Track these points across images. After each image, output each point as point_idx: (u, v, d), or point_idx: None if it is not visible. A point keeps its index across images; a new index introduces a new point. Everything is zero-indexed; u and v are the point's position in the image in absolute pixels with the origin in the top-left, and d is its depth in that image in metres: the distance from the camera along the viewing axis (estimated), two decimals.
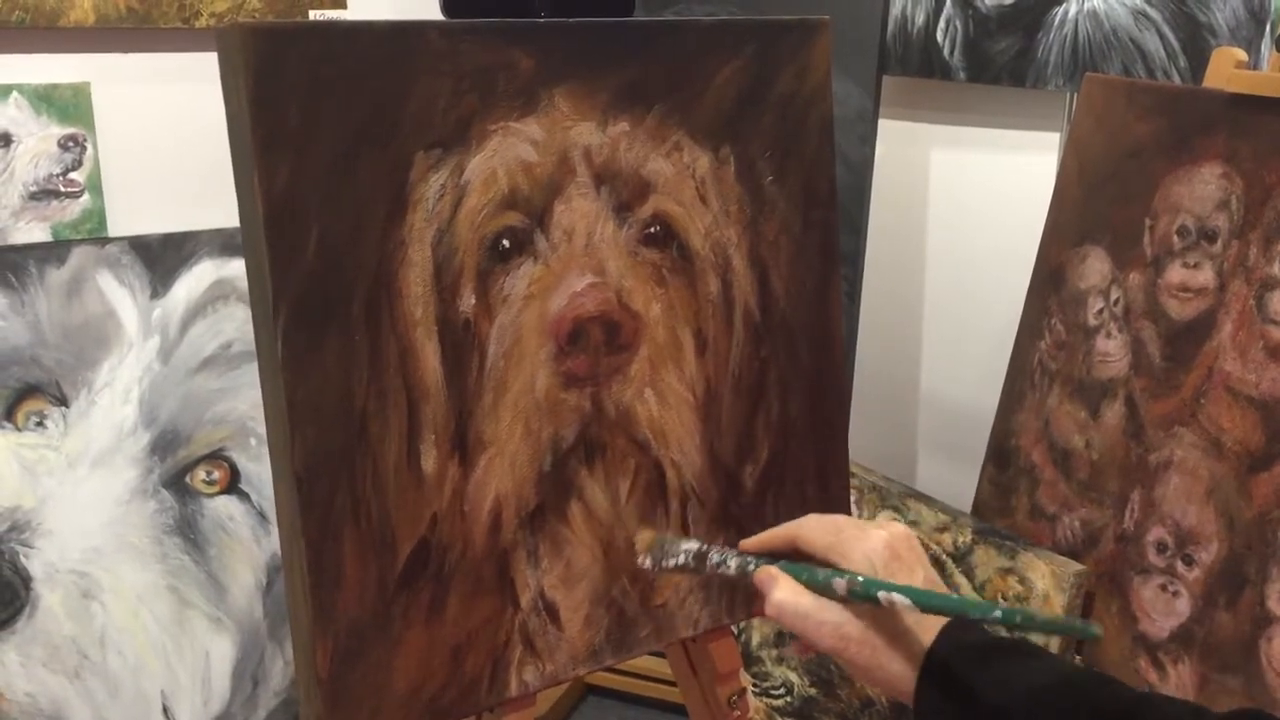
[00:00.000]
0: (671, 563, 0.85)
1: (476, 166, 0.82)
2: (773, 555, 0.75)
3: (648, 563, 0.89)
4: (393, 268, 0.80)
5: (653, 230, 0.91)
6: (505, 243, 0.84)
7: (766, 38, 0.94)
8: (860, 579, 0.68)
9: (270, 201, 0.75)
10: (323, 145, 0.76)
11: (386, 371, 0.80)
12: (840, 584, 0.68)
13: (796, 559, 0.74)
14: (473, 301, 0.83)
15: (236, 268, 1.43)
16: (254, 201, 0.76)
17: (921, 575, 0.70)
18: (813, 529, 0.73)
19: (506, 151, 0.83)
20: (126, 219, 1.49)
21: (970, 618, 0.65)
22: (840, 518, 0.74)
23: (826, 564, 0.72)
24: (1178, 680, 1.26)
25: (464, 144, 0.82)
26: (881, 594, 0.66)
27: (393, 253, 0.80)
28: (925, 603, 0.66)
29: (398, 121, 0.79)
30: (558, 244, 0.86)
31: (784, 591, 0.71)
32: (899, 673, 0.68)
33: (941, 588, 0.70)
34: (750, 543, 0.78)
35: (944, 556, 1.46)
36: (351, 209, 0.78)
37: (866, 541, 0.70)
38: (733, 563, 0.77)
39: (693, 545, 0.83)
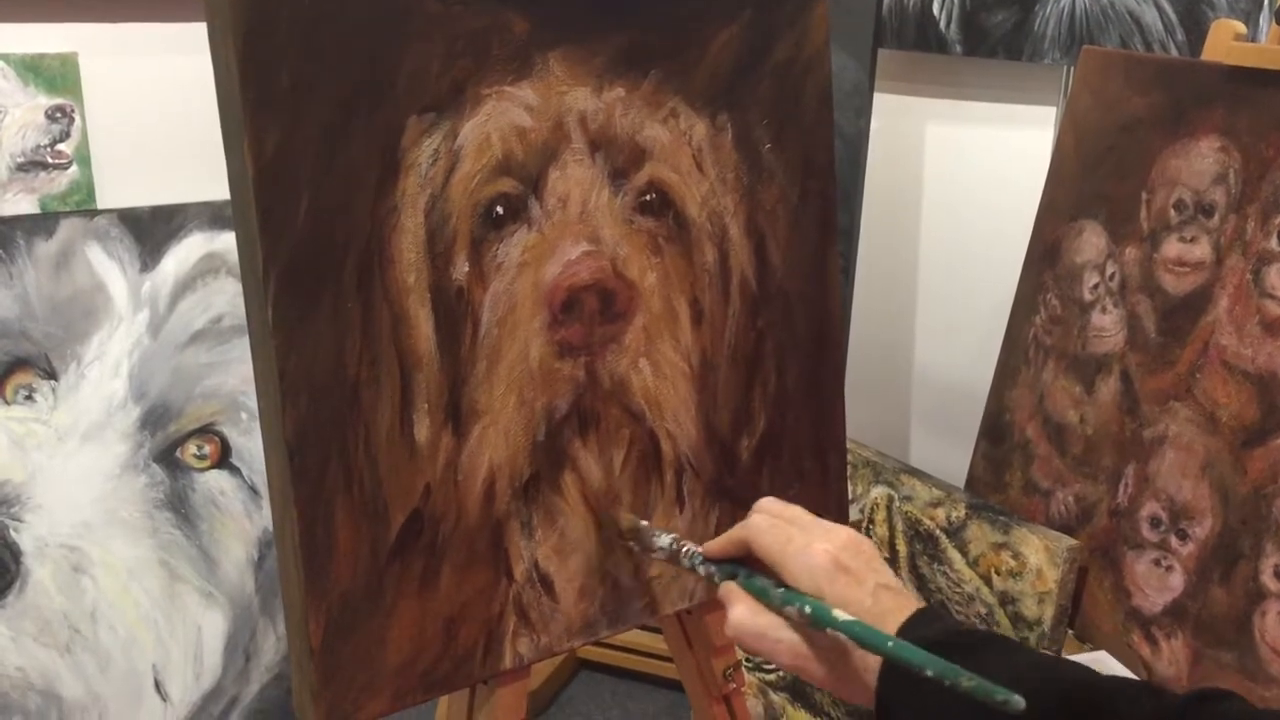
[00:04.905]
0: (652, 554, 0.86)
1: (470, 131, 0.81)
2: (735, 560, 0.75)
3: (636, 546, 0.89)
4: (385, 234, 0.79)
5: (648, 198, 0.90)
6: (499, 209, 0.83)
7: (763, 3, 0.93)
8: (808, 609, 0.67)
9: (261, 166, 0.74)
10: (314, 108, 0.75)
11: (379, 339, 0.79)
12: (792, 612, 0.68)
13: (755, 563, 0.73)
14: (466, 269, 0.82)
15: (227, 241, 1.42)
16: (244, 167, 0.74)
17: (872, 584, 0.68)
18: (761, 538, 0.72)
19: (500, 116, 0.82)
20: (115, 191, 1.48)
21: (904, 658, 0.63)
22: (792, 520, 0.72)
23: (778, 575, 0.71)
24: (1170, 655, 1.26)
25: (458, 108, 0.81)
26: (829, 629, 0.66)
27: (385, 219, 0.79)
28: (863, 641, 0.65)
29: (391, 84, 0.78)
30: (552, 211, 0.85)
31: (740, 611, 0.70)
32: (862, 684, 0.67)
33: (895, 588, 0.69)
34: (713, 547, 0.76)
35: (937, 531, 1.45)
36: (343, 174, 0.77)
37: (810, 557, 0.68)
38: (700, 569, 0.78)
39: (666, 541, 0.83)
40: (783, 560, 0.70)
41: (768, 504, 0.75)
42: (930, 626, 0.66)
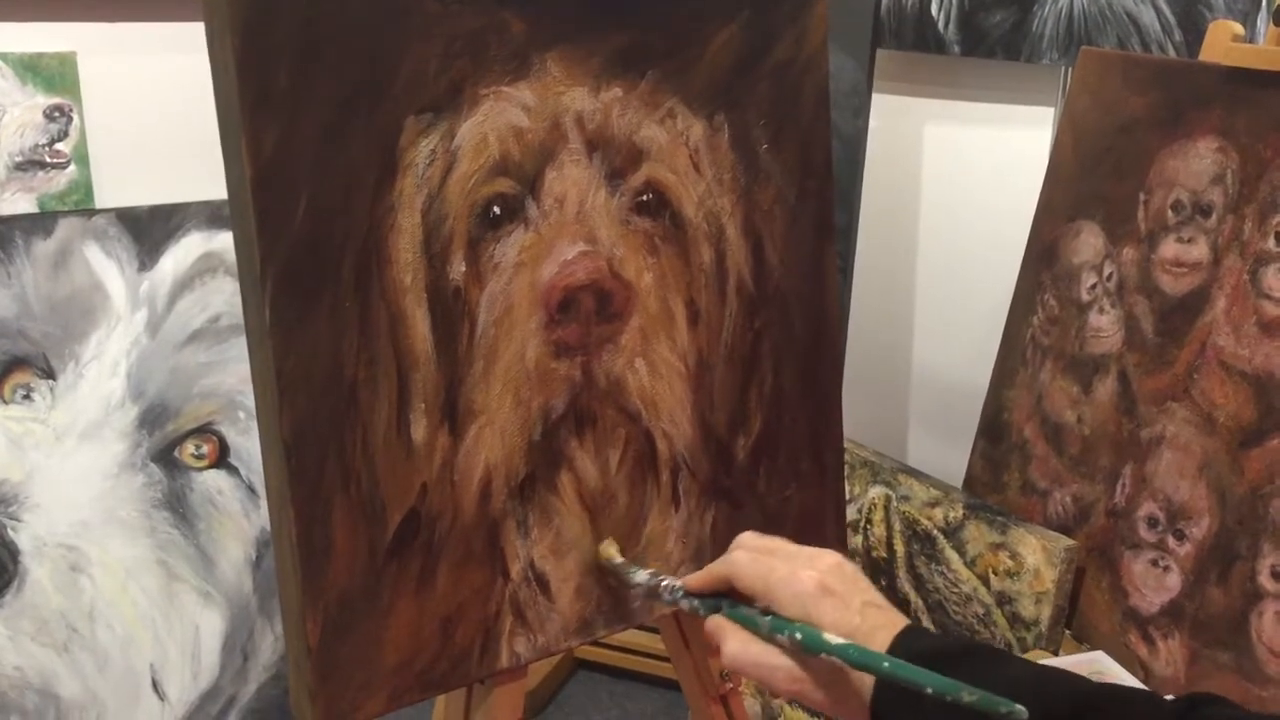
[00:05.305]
0: (631, 589, 0.86)
1: (467, 132, 0.81)
2: (717, 594, 0.75)
3: (614, 582, 0.89)
4: (382, 234, 0.79)
5: (645, 198, 0.90)
6: (496, 209, 0.83)
7: (761, 4, 0.93)
8: (799, 636, 0.67)
9: (258, 166, 0.74)
10: (312, 108, 0.75)
11: (376, 339, 0.79)
12: (783, 640, 0.68)
13: (738, 595, 0.73)
14: (463, 269, 0.82)
15: (225, 240, 1.42)
16: (241, 166, 0.74)
17: (858, 602, 0.68)
18: (744, 571, 0.72)
19: (498, 117, 0.82)
20: (113, 190, 1.48)
21: (903, 676, 0.63)
22: (774, 551, 0.72)
23: (764, 606, 0.71)
24: (1168, 655, 1.26)
25: (455, 109, 0.81)
26: (823, 655, 0.66)
27: (382, 219, 0.79)
28: (858, 663, 0.65)
29: (389, 84, 0.78)
30: (549, 211, 0.85)
31: (734, 643, 0.71)
32: (860, 703, 0.67)
33: (881, 605, 0.69)
34: (694, 581, 0.77)
35: (935, 532, 1.45)
36: (341, 174, 0.77)
37: (796, 584, 0.69)
38: (683, 604, 0.78)
39: (643, 577, 0.83)
40: (769, 591, 0.70)
41: (747, 539, 0.75)
42: (921, 640, 0.66)
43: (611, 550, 0.90)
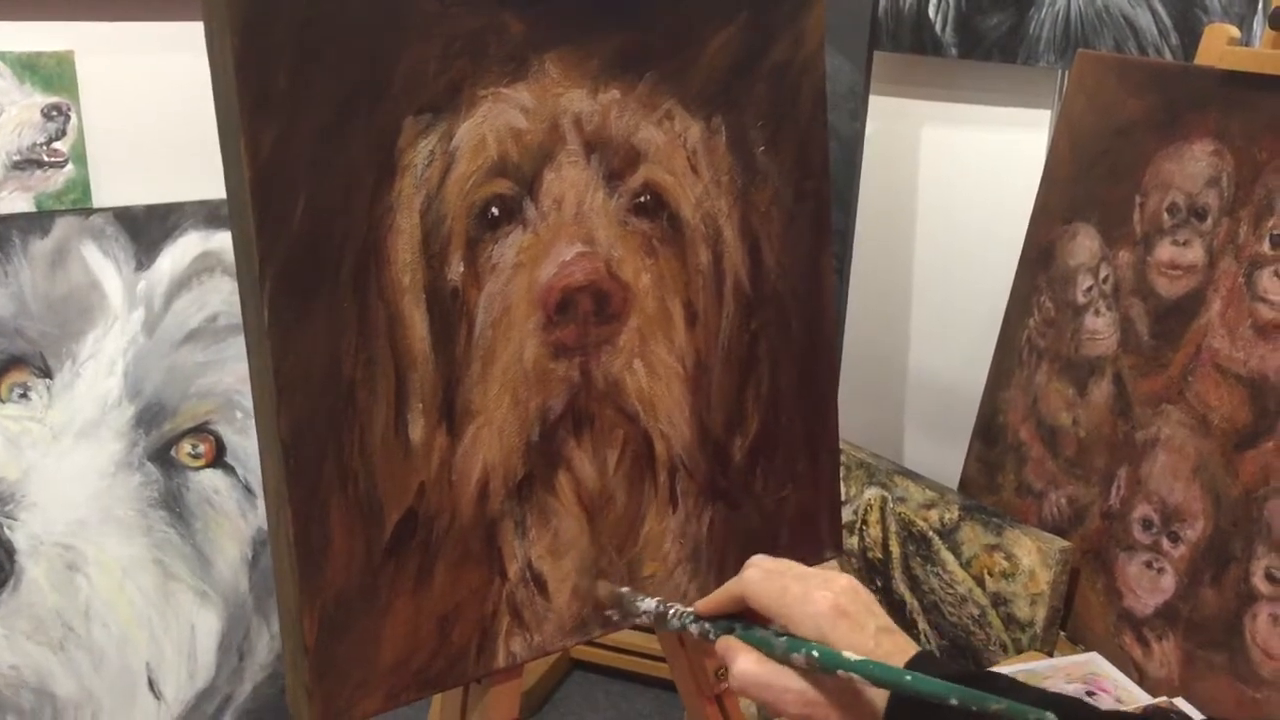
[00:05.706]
0: (637, 620, 0.86)
1: (466, 132, 0.81)
2: (729, 616, 0.75)
3: (616, 616, 0.89)
4: (380, 234, 0.79)
5: (643, 200, 0.90)
6: (494, 210, 0.83)
7: (760, 5, 0.93)
8: (816, 655, 0.67)
9: (257, 167, 0.74)
10: (311, 108, 0.75)
11: (375, 339, 0.79)
12: (799, 659, 0.68)
13: (751, 616, 0.73)
14: (461, 269, 0.82)
15: (222, 240, 1.42)
16: (240, 167, 0.74)
17: (873, 626, 0.68)
18: (758, 589, 0.72)
19: (496, 118, 0.82)
20: (111, 190, 1.48)
21: (926, 690, 0.63)
22: (785, 572, 0.72)
23: (777, 626, 0.71)
24: (1162, 656, 1.27)
25: (454, 109, 0.81)
26: (840, 672, 0.66)
27: (380, 219, 0.79)
28: (878, 679, 0.65)
29: (388, 85, 0.78)
30: (547, 212, 0.85)
31: (745, 663, 0.70)
32: None
33: (894, 631, 0.69)
34: (704, 605, 0.76)
35: (931, 533, 1.46)
36: (340, 174, 0.77)
37: (811, 604, 0.69)
38: (693, 628, 0.77)
39: (650, 605, 0.83)
40: (783, 610, 0.70)
41: (759, 559, 0.75)
42: (934, 666, 0.66)
43: (609, 584, 0.90)
